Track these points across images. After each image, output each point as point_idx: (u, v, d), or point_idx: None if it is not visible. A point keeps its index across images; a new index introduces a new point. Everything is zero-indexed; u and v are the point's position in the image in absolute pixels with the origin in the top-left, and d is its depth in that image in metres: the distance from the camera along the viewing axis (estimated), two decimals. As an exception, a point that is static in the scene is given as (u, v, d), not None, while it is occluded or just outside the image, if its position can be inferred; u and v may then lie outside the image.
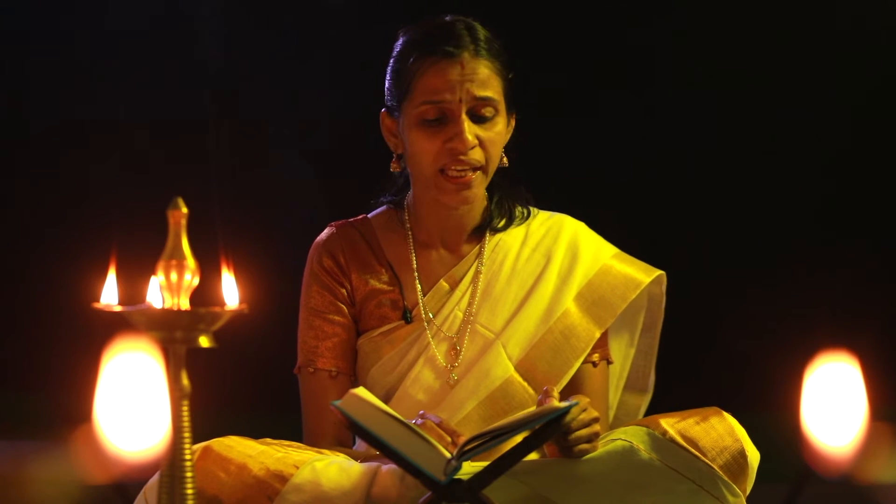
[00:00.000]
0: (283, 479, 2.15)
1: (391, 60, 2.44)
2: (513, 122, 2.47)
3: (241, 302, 1.67)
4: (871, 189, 3.70)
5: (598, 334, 2.45)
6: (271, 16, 3.76)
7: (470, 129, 2.36)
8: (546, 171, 3.50)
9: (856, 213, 3.69)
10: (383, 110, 2.46)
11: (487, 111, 2.38)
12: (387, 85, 2.45)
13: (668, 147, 3.73)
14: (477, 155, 2.37)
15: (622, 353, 2.56)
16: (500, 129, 2.40)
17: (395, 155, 2.47)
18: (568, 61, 3.73)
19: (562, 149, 3.69)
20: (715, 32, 3.71)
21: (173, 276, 1.62)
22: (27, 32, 3.69)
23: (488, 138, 2.38)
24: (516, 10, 3.70)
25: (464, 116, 2.36)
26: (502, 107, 2.40)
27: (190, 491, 1.61)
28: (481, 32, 2.41)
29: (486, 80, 2.37)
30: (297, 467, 2.17)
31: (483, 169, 2.39)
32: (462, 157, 2.36)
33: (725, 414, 2.25)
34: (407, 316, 2.45)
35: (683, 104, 3.73)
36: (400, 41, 2.44)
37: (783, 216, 3.70)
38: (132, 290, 1.67)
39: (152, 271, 1.63)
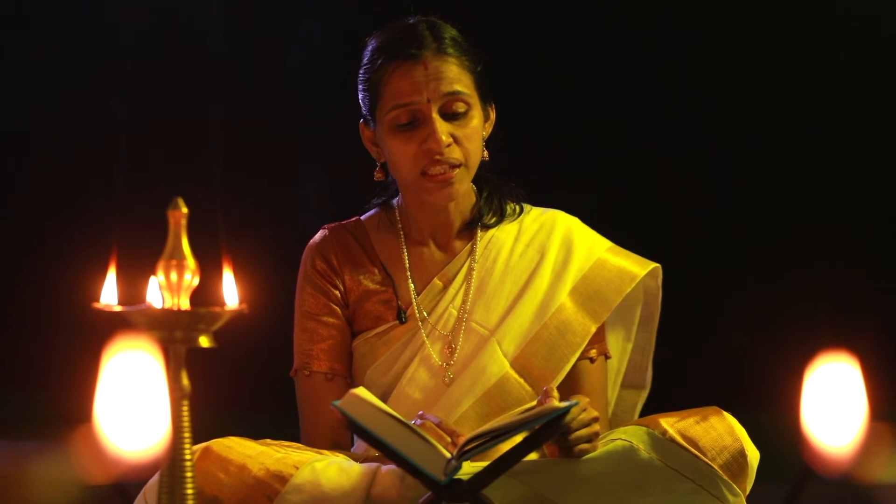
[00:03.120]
0: (282, 479, 2.15)
1: (360, 71, 2.43)
2: (493, 115, 2.46)
3: (241, 302, 1.67)
4: (872, 188, 3.70)
5: (593, 329, 2.44)
6: (272, 15, 3.76)
7: (443, 128, 2.35)
8: (542, 166, 3.51)
9: (856, 212, 3.69)
10: (361, 121, 2.46)
11: (459, 106, 2.37)
12: (359, 96, 2.44)
13: (668, 143, 3.73)
14: (454, 153, 2.36)
15: (619, 348, 2.55)
16: (475, 124, 2.39)
17: (377, 164, 2.47)
18: (566, 60, 3.73)
19: (558, 145, 3.69)
20: (712, 30, 3.70)
21: (173, 276, 1.62)
22: (27, 31, 3.69)
23: (464, 134, 2.37)
24: (517, 10, 3.71)
25: (435, 115, 2.35)
26: (475, 100, 2.39)
27: (190, 491, 1.61)
28: (445, 30, 2.40)
29: (452, 76, 2.36)
30: (297, 468, 2.17)
31: (463, 165, 2.38)
32: (439, 158, 2.35)
33: (725, 413, 2.25)
34: (401, 316, 2.45)
35: (684, 100, 3.73)
36: (366, 50, 2.43)
37: (783, 215, 3.70)
38: (132, 290, 1.67)
39: (152, 271, 1.63)
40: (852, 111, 3.67)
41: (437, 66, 2.36)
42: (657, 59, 3.74)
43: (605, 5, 3.74)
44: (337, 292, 2.47)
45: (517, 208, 2.53)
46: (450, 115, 2.37)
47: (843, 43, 3.65)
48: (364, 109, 2.44)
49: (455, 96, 2.36)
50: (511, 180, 2.53)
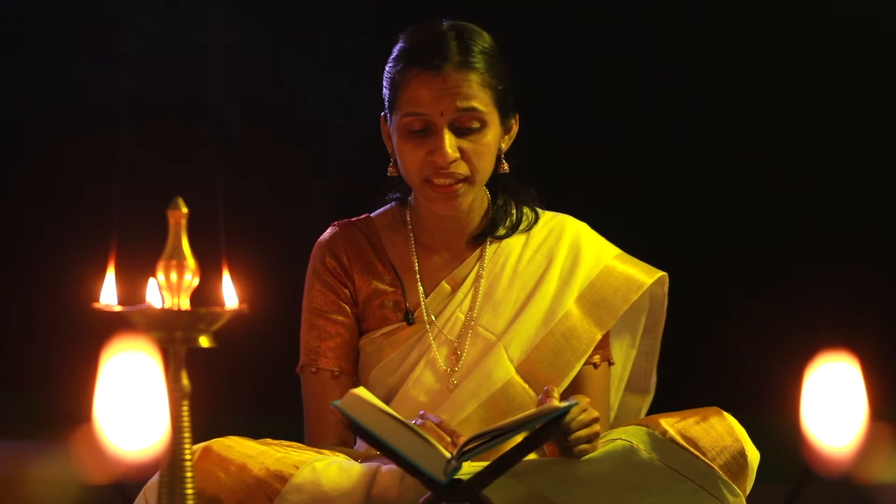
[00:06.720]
0: (282, 479, 2.15)
1: (387, 65, 2.42)
2: (515, 128, 2.45)
3: (241, 302, 1.67)
4: (872, 188, 3.70)
5: (599, 336, 2.44)
6: (272, 17, 3.76)
7: (451, 143, 2.34)
8: (549, 171, 3.50)
9: (856, 212, 3.69)
10: (382, 115, 2.46)
11: (473, 123, 2.35)
12: (383, 90, 2.44)
13: (669, 148, 3.73)
14: (461, 168, 2.36)
15: (624, 353, 2.55)
16: (488, 140, 2.37)
17: (392, 159, 2.46)
18: (572, 63, 3.73)
19: (565, 149, 3.68)
20: (712, 32, 3.70)
21: (173, 276, 1.62)
22: (27, 30, 3.69)
23: (473, 150, 2.36)
24: (522, 10, 3.70)
25: (445, 129, 2.34)
26: (492, 117, 2.37)
27: (190, 491, 1.61)
28: (475, 41, 2.38)
29: (470, 92, 2.34)
30: (297, 467, 2.17)
31: (468, 180, 2.37)
32: (443, 171, 2.35)
33: (725, 414, 2.25)
34: (409, 317, 2.45)
35: (684, 105, 3.73)
36: (396, 46, 2.42)
37: (783, 216, 3.70)
38: (132, 290, 1.67)
39: (152, 271, 1.63)
40: (853, 112, 3.67)
41: (456, 81, 2.34)
42: (661, 62, 3.74)
43: (604, 9, 3.74)
44: (346, 290, 2.47)
45: (533, 215, 2.53)
46: (462, 130, 2.35)
47: (843, 43, 3.65)
48: (385, 104, 2.44)
49: (469, 112, 2.34)
50: (529, 186, 2.52)
